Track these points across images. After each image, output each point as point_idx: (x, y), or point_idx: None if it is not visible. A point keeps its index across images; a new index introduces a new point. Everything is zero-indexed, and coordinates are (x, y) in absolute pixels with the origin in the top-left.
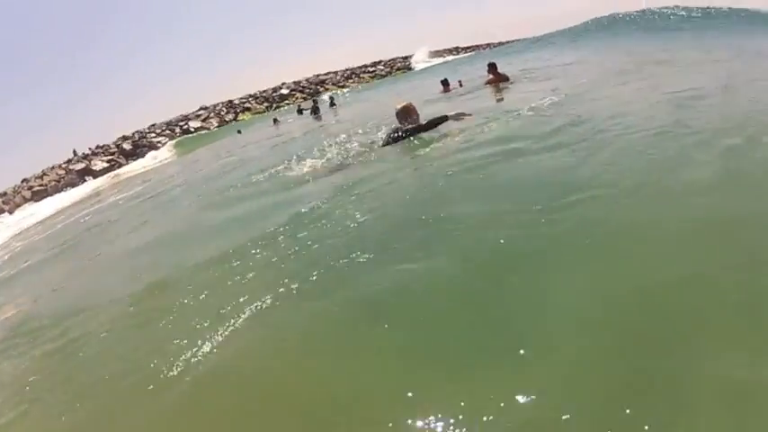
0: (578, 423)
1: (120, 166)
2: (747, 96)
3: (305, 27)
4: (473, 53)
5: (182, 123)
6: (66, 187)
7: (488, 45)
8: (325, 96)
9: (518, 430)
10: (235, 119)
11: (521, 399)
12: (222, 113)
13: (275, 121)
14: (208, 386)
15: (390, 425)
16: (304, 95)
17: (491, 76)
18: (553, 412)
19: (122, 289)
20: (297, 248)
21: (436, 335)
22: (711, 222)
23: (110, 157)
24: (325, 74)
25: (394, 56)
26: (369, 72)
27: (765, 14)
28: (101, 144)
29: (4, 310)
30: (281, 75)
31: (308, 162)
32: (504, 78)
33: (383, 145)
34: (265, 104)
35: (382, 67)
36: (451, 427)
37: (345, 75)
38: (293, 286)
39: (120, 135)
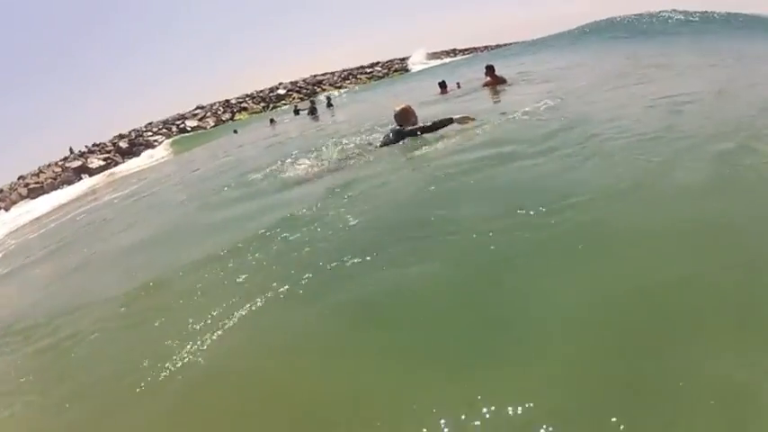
0: (575, 423)
1: (117, 164)
2: (743, 101)
3: (304, 27)
4: (470, 55)
5: (178, 122)
6: (62, 185)
7: (486, 47)
8: (323, 97)
9: (515, 430)
10: (231, 118)
11: (517, 399)
12: (219, 113)
13: (272, 121)
14: (201, 387)
15: (387, 425)
16: (301, 96)
17: (488, 79)
18: (549, 413)
19: (115, 288)
20: (290, 250)
21: (432, 336)
22: (703, 226)
23: (106, 156)
24: (323, 74)
25: (392, 57)
26: (366, 73)
27: (763, 19)
28: (97, 142)
29: None
30: (278, 75)
31: (305, 163)
32: (502, 81)
33: (381, 145)
34: (262, 104)
35: (380, 69)
36: (448, 428)
37: (342, 75)
38: (286, 287)
39: (117, 133)
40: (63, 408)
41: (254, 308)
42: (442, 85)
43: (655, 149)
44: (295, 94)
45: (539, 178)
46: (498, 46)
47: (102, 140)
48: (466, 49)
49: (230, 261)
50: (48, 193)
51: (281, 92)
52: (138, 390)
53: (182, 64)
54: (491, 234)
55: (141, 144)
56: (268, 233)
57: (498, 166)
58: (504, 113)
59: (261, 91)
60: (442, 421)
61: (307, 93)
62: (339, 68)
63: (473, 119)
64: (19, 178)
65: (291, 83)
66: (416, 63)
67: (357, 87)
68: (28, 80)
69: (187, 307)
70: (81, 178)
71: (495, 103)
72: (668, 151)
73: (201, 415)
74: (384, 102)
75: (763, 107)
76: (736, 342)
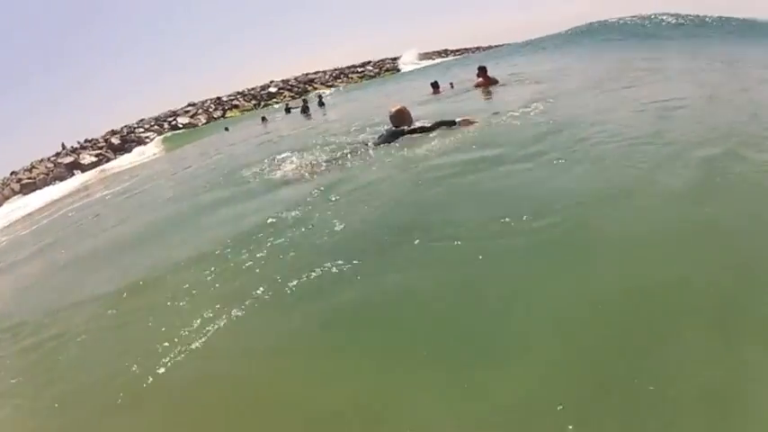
0: (569, 421)
1: (109, 160)
2: (733, 106)
3: (300, 27)
4: (460, 56)
5: (170, 119)
6: (54, 180)
7: (478, 48)
8: (314, 95)
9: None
10: (223, 116)
11: (512, 399)
12: (210, 110)
13: (263, 119)
14: (190, 390)
15: (384, 427)
16: (292, 94)
17: (481, 80)
18: (543, 412)
19: (104, 288)
20: (278, 252)
21: (420, 339)
22: (690, 231)
23: (98, 152)
24: (314, 73)
25: (383, 56)
26: (357, 72)
27: (756, 23)
28: (89, 138)
29: None
30: (270, 73)
31: (296, 162)
32: (494, 82)
33: (376, 144)
34: (253, 102)
35: (371, 68)
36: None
37: (334, 74)
38: (273, 290)
39: (109, 129)
40: (49, 411)
41: (240, 310)
42: (435, 86)
43: (643, 155)
44: (286, 93)
45: (528, 182)
46: (490, 47)
47: (95, 136)
48: (457, 50)
49: (218, 262)
50: (40, 188)
51: (273, 90)
52: (125, 394)
53: (174, 61)
54: (479, 238)
55: (133, 141)
56: (257, 234)
57: (488, 170)
58: (496, 115)
59: (252, 89)
60: (431, 422)
61: (298, 91)
62: (331, 67)
63: (476, 121)
64: (11, 174)
65: (283, 81)
66: (407, 63)
67: (348, 86)
68: (20, 75)
69: (175, 308)
70: (73, 174)
71: (487, 104)
72: (656, 156)
73: (191, 418)
74: (376, 101)
75: (754, 113)
76: (719, 342)
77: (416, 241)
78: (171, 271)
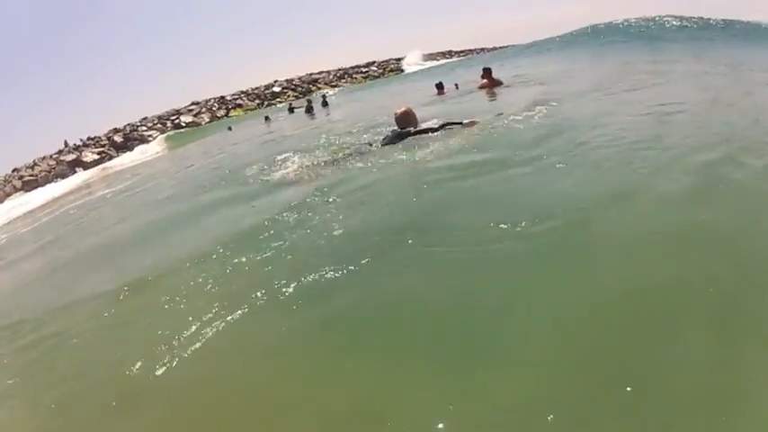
0: (567, 421)
1: (111, 158)
2: (735, 111)
3: (303, 27)
4: (464, 57)
5: (173, 117)
6: (56, 178)
7: (482, 49)
8: (318, 95)
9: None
10: (226, 115)
11: (505, 401)
12: (214, 109)
13: (267, 118)
14: (189, 392)
15: (382, 426)
16: (296, 94)
17: (485, 81)
18: (541, 412)
19: (103, 287)
20: (279, 253)
21: (420, 340)
22: (687, 234)
23: (100, 149)
24: (318, 73)
25: (387, 57)
26: (362, 72)
27: (761, 26)
28: (92, 136)
29: None
30: (274, 72)
31: (299, 162)
32: (498, 83)
33: (383, 144)
34: (257, 102)
35: (375, 68)
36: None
37: (338, 75)
38: (273, 291)
39: (112, 127)
40: (48, 411)
41: (239, 311)
42: (439, 87)
43: (644, 159)
44: (290, 92)
45: (529, 186)
46: (495, 48)
47: (97, 134)
48: (461, 51)
49: (218, 263)
50: (42, 186)
51: (277, 89)
52: (124, 394)
53: (178, 60)
54: (479, 241)
55: (136, 139)
56: (257, 235)
57: (490, 173)
58: (500, 117)
59: (256, 88)
60: (437, 423)
61: (302, 91)
62: (335, 67)
63: (479, 122)
64: (13, 170)
65: (287, 81)
66: (411, 64)
67: (352, 87)
68: (24, 72)
69: (175, 308)
70: (75, 172)
71: (491, 105)
72: (657, 161)
73: (191, 418)
74: (380, 101)
75: (756, 117)
76: (718, 343)
77: (417, 244)
78: (170, 271)
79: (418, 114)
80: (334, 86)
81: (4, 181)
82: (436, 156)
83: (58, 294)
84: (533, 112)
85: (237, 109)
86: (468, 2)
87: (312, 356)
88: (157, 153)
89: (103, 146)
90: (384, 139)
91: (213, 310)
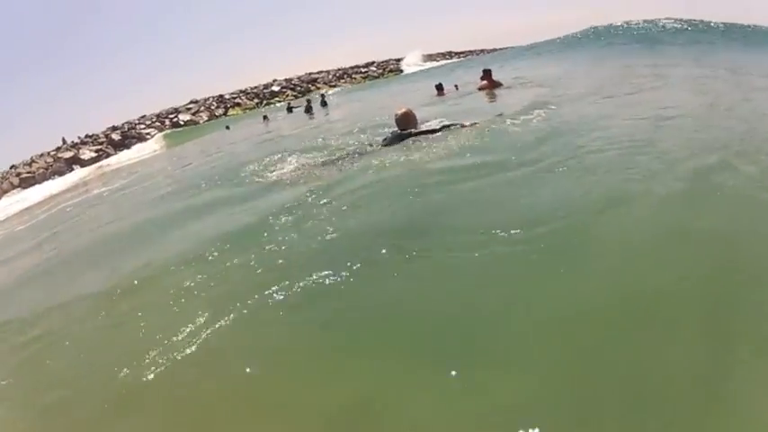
0: (562, 422)
1: (109, 155)
2: (732, 117)
3: (301, 26)
4: (464, 58)
5: (171, 116)
6: (53, 175)
7: (482, 51)
8: (317, 95)
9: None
10: (225, 114)
11: (505, 401)
12: (212, 108)
13: (265, 118)
14: (187, 391)
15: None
16: (295, 93)
17: (485, 82)
18: (536, 413)
19: (96, 287)
20: (276, 253)
21: (419, 342)
22: (679, 239)
23: (98, 147)
24: (317, 73)
25: (387, 57)
26: (361, 73)
27: (761, 30)
28: (90, 133)
29: None
30: (273, 72)
31: (295, 163)
32: (498, 85)
33: (384, 144)
34: (255, 101)
35: (375, 69)
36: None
37: (337, 74)
38: (271, 293)
39: (110, 125)
40: (40, 413)
41: (235, 312)
42: (439, 88)
43: (640, 164)
44: (289, 92)
45: (525, 190)
46: (495, 50)
47: (95, 132)
48: (462, 52)
49: (213, 263)
50: (39, 183)
51: (276, 89)
52: (118, 396)
53: (177, 58)
54: (477, 244)
55: (134, 137)
56: (253, 236)
57: (487, 177)
58: (499, 120)
59: (255, 87)
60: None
61: (301, 90)
62: (334, 67)
63: (480, 124)
64: (11, 167)
65: (286, 80)
66: (410, 64)
67: (351, 87)
68: (22, 69)
69: (168, 309)
70: (72, 169)
71: (491, 107)
72: (653, 166)
73: (189, 418)
74: (380, 102)
75: (753, 123)
76: (712, 344)
77: (414, 246)
78: (164, 271)
79: (418, 115)
80: (334, 86)
81: (2, 178)
82: (434, 158)
83: (52, 294)
84: (532, 116)
85: (236, 108)
86: (469, 3)
87: (311, 357)
88: (155, 151)
89: (101, 144)
90: (384, 140)
91: (209, 311)
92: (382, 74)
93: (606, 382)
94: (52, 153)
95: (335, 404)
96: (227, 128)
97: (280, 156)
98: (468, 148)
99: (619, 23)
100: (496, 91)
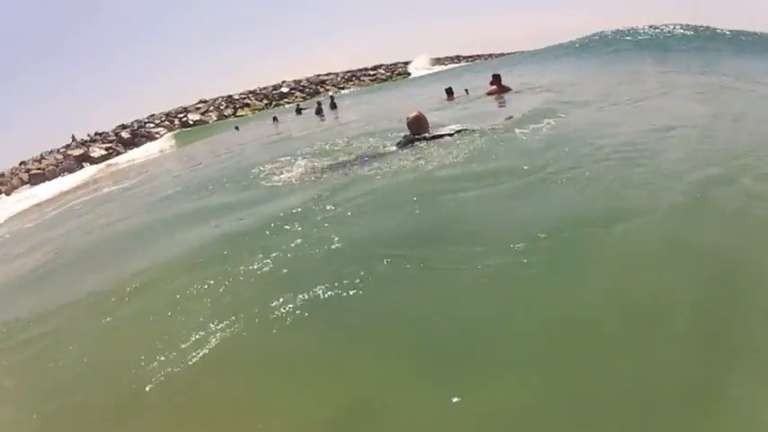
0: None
1: (118, 154)
2: (737, 127)
3: (306, 27)
4: (471, 62)
5: (181, 115)
6: (63, 172)
7: (490, 55)
8: (326, 97)
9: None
10: (234, 114)
11: (503, 404)
12: (221, 108)
13: (275, 119)
14: (184, 392)
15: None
16: (304, 95)
17: (494, 87)
18: (535, 417)
19: (101, 289)
20: (279, 259)
21: (420, 347)
22: (679, 251)
23: (108, 145)
24: (326, 74)
25: (395, 60)
26: (369, 75)
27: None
28: (100, 131)
29: None
30: (281, 73)
31: (305, 166)
32: (507, 90)
33: (398, 147)
34: (265, 102)
35: (383, 71)
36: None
37: (346, 77)
38: (273, 297)
39: (120, 123)
40: (42, 417)
41: (236, 318)
42: (449, 92)
43: (642, 175)
44: (298, 93)
45: (529, 200)
46: (502, 54)
47: (105, 130)
48: (470, 56)
49: (217, 267)
50: (49, 179)
51: (285, 90)
52: (117, 405)
53: (187, 57)
54: (478, 254)
55: (143, 136)
56: (256, 241)
57: (490, 186)
58: (507, 127)
59: (264, 88)
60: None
61: (310, 92)
62: (343, 69)
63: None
64: (20, 164)
65: (295, 81)
66: (418, 68)
67: (360, 90)
68: (33, 66)
69: (172, 313)
70: (82, 167)
71: (500, 114)
72: (654, 178)
73: (187, 418)
74: (390, 105)
75: (758, 135)
76: (709, 354)
77: (417, 254)
78: (168, 274)
79: (430, 119)
80: (342, 88)
81: (12, 174)
82: (441, 165)
83: (56, 294)
84: (539, 123)
85: (245, 108)
86: (477, 8)
87: (313, 362)
88: (163, 151)
89: (111, 142)
90: (398, 144)
91: (212, 316)
92: (390, 76)
93: (605, 388)
94: (62, 150)
95: (337, 408)
96: (236, 128)
97: (289, 158)
98: (476, 155)
99: (626, 29)
100: (505, 96)
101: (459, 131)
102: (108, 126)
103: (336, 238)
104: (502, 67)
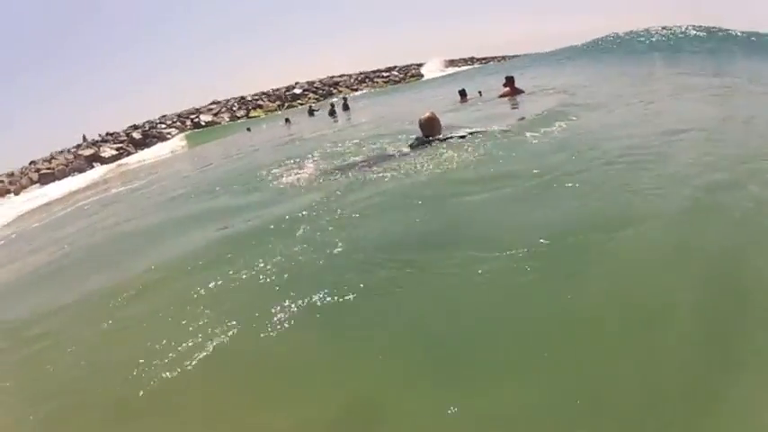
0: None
1: (129, 154)
2: (750, 131)
3: (315, 27)
4: (484, 64)
5: (193, 116)
6: (73, 172)
7: (503, 57)
8: (339, 98)
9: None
10: (246, 115)
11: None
12: (234, 109)
13: (287, 120)
14: (183, 392)
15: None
16: (317, 96)
17: (507, 89)
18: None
19: (103, 290)
20: (282, 262)
21: (420, 350)
22: (682, 255)
23: (119, 146)
24: (339, 76)
25: (408, 62)
26: (383, 77)
27: None
28: (111, 131)
29: None
30: (295, 74)
31: (316, 167)
32: (520, 92)
33: (410, 149)
34: (277, 103)
35: (396, 73)
36: None
37: (359, 78)
38: (274, 300)
39: (131, 124)
40: (36, 422)
41: (236, 321)
42: (462, 94)
43: (650, 180)
44: (311, 95)
45: (535, 204)
46: (516, 56)
47: (116, 130)
48: (483, 58)
49: (220, 269)
50: (58, 179)
51: (298, 91)
52: (116, 407)
53: (200, 58)
54: (482, 258)
55: (155, 136)
56: (261, 244)
57: (497, 190)
58: (518, 129)
59: (277, 89)
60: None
61: (323, 93)
62: (356, 71)
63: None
64: (30, 163)
65: (308, 83)
66: (432, 70)
67: (373, 91)
68: (44, 66)
69: (173, 316)
70: (93, 167)
71: (513, 116)
72: (662, 183)
73: (184, 419)
74: (403, 107)
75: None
76: (710, 358)
77: (420, 258)
78: (171, 276)
79: (443, 121)
80: (355, 90)
81: (21, 173)
82: (452, 168)
83: (59, 294)
84: (550, 126)
85: (258, 110)
86: (491, 9)
87: (315, 364)
88: (175, 152)
89: (122, 142)
90: (410, 145)
91: (213, 318)
92: (404, 78)
93: (606, 389)
94: (72, 150)
95: (338, 410)
96: (248, 129)
97: (299, 160)
98: (485, 158)
99: (640, 30)
100: (518, 98)
101: (471, 134)
102: (120, 127)
103: (340, 242)
104: (515, 69)
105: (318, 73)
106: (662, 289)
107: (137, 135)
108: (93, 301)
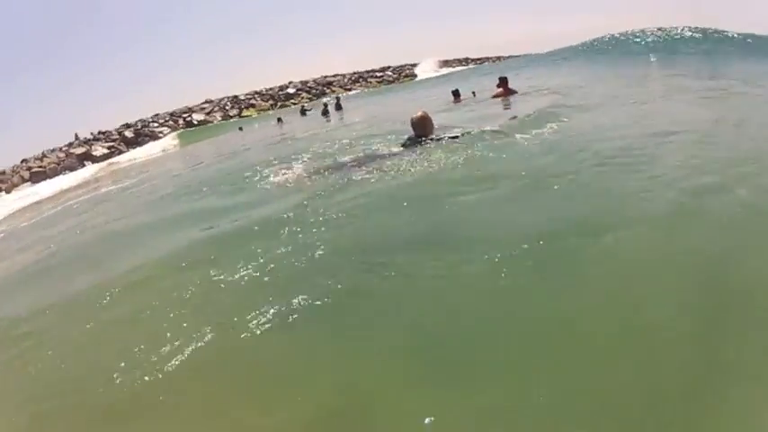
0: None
1: (121, 153)
2: (742, 133)
3: (312, 27)
4: (479, 64)
5: (185, 115)
6: (64, 171)
7: (498, 57)
8: (332, 98)
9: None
10: (239, 114)
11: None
12: (226, 108)
13: (279, 120)
14: (181, 392)
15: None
16: (310, 96)
17: (500, 90)
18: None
19: (89, 289)
20: (278, 258)
21: (413, 356)
22: (671, 258)
23: (111, 144)
24: (333, 76)
25: (402, 62)
26: (376, 77)
27: None
28: (103, 130)
29: None
30: (288, 73)
31: (306, 167)
32: (513, 92)
33: (401, 148)
34: (270, 102)
35: (390, 73)
36: None
37: (353, 78)
38: (262, 300)
39: (123, 122)
40: (23, 424)
41: (227, 321)
42: (456, 94)
43: (638, 183)
44: (304, 94)
45: (523, 205)
46: (510, 56)
47: (108, 128)
48: (478, 59)
49: (210, 269)
50: (50, 177)
51: (291, 91)
52: (104, 407)
53: (192, 57)
54: (473, 260)
55: (147, 135)
56: (249, 243)
57: (486, 191)
58: (510, 130)
59: (270, 89)
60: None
61: (316, 93)
62: (350, 71)
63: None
64: (22, 161)
65: (302, 82)
66: (426, 71)
67: (366, 91)
68: (36, 65)
69: (160, 316)
70: (84, 165)
71: (506, 117)
72: (650, 185)
73: (182, 419)
74: (396, 107)
75: (759, 141)
76: (705, 360)
77: (409, 259)
78: (157, 275)
79: (435, 121)
80: (349, 90)
81: (12, 171)
82: (441, 168)
83: (45, 294)
84: (542, 128)
85: (250, 109)
86: (486, 9)
87: (307, 363)
88: (167, 150)
89: (114, 141)
90: (401, 146)
91: (202, 317)
92: (397, 78)
93: (605, 389)
94: (64, 148)
95: (332, 408)
96: (240, 129)
97: (290, 160)
98: (476, 158)
99: (636, 31)
100: (511, 98)
101: (463, 134)
102: (112, 125)
103: (329, 242)
104: (510, 70)
105: (318, 73)
106: (656, 289)
107: (129, 134)
108: (80, 301)
